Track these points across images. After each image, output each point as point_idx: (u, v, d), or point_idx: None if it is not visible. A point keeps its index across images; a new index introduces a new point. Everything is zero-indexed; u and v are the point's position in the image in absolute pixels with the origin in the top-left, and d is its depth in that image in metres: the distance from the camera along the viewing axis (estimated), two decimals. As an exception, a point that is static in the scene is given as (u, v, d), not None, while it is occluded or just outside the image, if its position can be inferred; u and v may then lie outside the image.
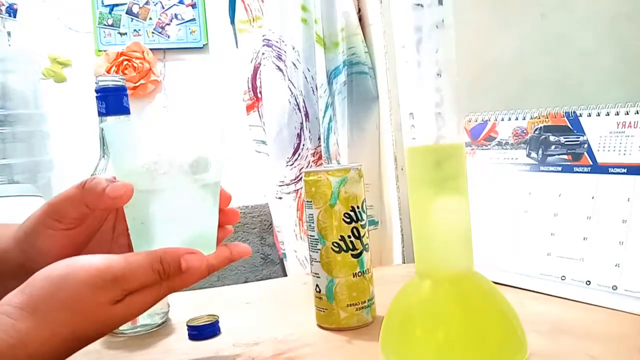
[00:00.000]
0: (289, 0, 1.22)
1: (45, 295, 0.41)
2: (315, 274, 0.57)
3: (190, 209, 0.48)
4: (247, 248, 0.51)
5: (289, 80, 1.23)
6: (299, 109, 1.24)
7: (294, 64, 1.22)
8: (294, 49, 1.22)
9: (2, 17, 2.04)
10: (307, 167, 1.23)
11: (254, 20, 1.37)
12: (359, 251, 0.56)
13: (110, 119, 0.67)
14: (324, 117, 1.18)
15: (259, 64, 1.33)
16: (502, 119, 0.74)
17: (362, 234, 0.56)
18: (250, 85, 1.39)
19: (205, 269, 0.46)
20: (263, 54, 1.28)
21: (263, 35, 1.27)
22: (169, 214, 0.47)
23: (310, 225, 0.57)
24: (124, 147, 0.48)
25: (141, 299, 0.45)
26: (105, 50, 2.12)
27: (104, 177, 0.48)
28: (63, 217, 0.48)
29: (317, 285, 0.57)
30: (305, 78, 1.22)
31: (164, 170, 0.47)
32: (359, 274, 0.56)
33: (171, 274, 0.45)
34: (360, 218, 0.56)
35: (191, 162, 0.47)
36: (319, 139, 1.23)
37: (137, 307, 0.45)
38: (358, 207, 0.56)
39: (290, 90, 1.23)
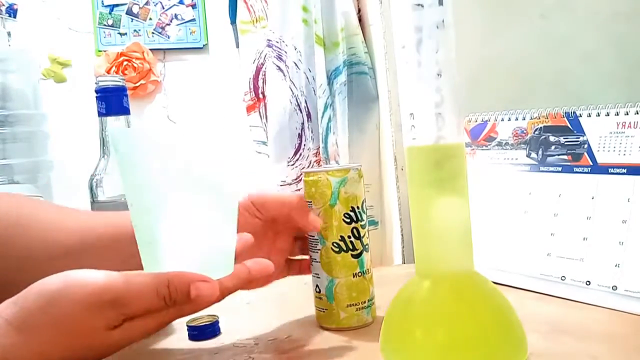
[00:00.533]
0: (291, 1, 1.22)
1: (37, 311, 0.38)
2: (315, 274, 0.57)
3: (206, 226, 0.44)
4: (268, 265, 0.46)
5: (290, 80, 1.23)
6: (300, 109, 1.24)
7: (296, 64, 1.22)
8: (295, 49, 1.22)
9: (2, 18, 2.04)
10: (308, 167, 1.23)
11: (257, 20, 1.37)
12: (359, 251, 0.56)
13: (111, 120, 0.67)
14: (322, 117, 1.18)
15: (262, 64, 1.33)
16: (502, 119, 0.74)
17: (362, 234, 0.56)
18: (251, 86, 1.39)
19: (217, 296, 0.42)
20: (266, 54, 1.28)
21: (266, 36, 1.27)
22: (181, 233, 0.43)
23: None
24: (132, 157, 0.43)
25: (142, 325, 0.41)
26: (105, 51, 2.12)
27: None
28: (265, 213, 0.53)
29: (317, 285, 0.57)
30: (307, 78, 1.22)
31: (176, 183, 0.43)
32: (359, 274, 0.56)
33: (178, 300, 0.41)
34: (360, 218, 0.56)
35: (206, 173, 0.44)
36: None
37: (136, 333, 0.41)
38: (358, 208, 0.56)
39: (292, 90, 1.23)
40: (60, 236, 0.52)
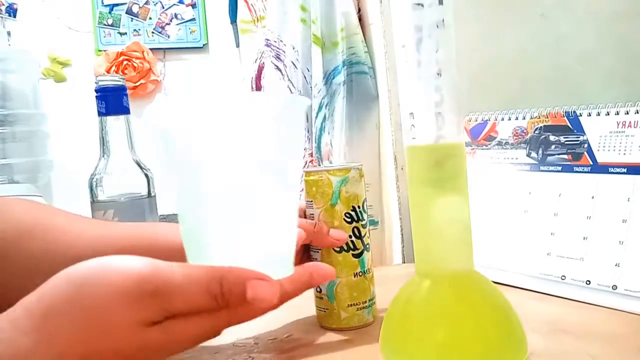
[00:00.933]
0: (289, 0, 1.22)
1: (62, 300, 0.31)
2: None
3: (266, 217, 0.38)
4: (330, 271, 0.42)
5: (288, 80, 1.23)
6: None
7: (294, 64, 1.22)
8: (293, 48, 1.22)
9: (2, 17, 2.04)
10: (305, 166, 1.23)
11: (258, 20, 1.37)
12: (359, 251, 0.56)
13: (110, 119, 0.67)
14: (316, 117, 1.18)
15: (263, 64, 1.33)
16: (502, 119, 0.74)
17: (363, 234, 0.56)
18: (254, 85, 1.39)
19: (277, 301, 0.36)
20: (264, 53, 1.28)
21: (265, 36, 1.27)
22: (237, 222, 0.37)
23: None
24: (178, 135, 0.37)
25: (185, 327, 0.34)
26: (105, 50, 2.12)
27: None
28: None
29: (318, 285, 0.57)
30: (305, 78, 1.22)
31: (234, 165, 0.37)
32: (360, 273, 0.56)
33: (231, 302, 0.34)
34: (361, 218, 0.56)
35: (266, 156, 0.38)
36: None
37: (177, 336, 0.34)
38: (359, 207, 0.56)
39: (290, 90, 1.23)
40: (75, 245, 0.49)
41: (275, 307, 0.37)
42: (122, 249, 0.46)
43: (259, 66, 1.36)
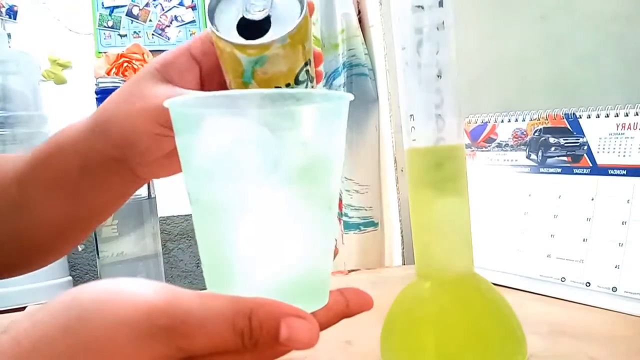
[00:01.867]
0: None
1: (57, 329, 0.26)
2: None
3: (298, 238, 0.32)
4: (370, 299, 0.35)
5: None
6: None
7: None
8: None
9: (2, 19, 2.04)
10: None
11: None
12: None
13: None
14: None
15: None
16: (502, 121, 0.74)
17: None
18: None
19: (315, 343, 0.29)
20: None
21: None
22: (267, 244, 0.31)
23: None
24: (200, 135, 0.31)
25: None
26: (105, 52, 2.12)
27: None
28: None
29: None
30: None
31: (264, 174, 0.31)
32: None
33: (261, 341, 0.28)
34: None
35: (302, 166, 0.31)
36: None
37: None
38: (290, 84, 0.41)
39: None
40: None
41: (309, 347, 0.30)
42: (21, 172, 0.43)
43: None
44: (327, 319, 0.33)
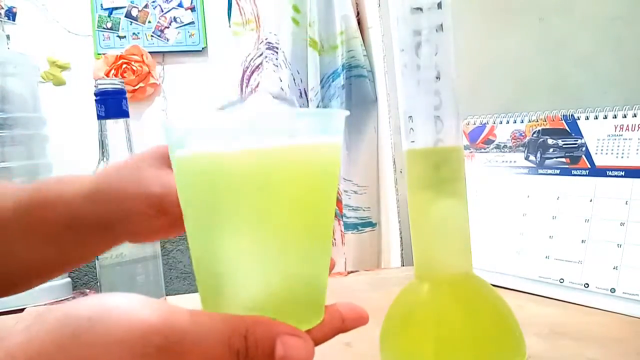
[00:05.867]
0: (282, 1, 1.22)
1: (52, 345, 0.26)
2: None
3: (297, 255, 0.31)
4: (364, 315, 0.34)
5: (280, 81, 1.23)
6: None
7: (287, 66, 1.23)
8: (280, 49, 1.22)
9: (1, 21, 2.04)
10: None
11: (246, 23, 1.37)
12: None
13: (110, 123, 0.67)
14: None
15: (246, 67, 1.33)
16: (501, 122, 0.74)
17: None
18: (238, 90, 1.39)
19: (310, 358, 0.29)
20: (265, 56, 1.28)
21: (265, 38, 1.28)
22: (262, 261, 0.31)
23: None
24: (195, 162, 0.31)
25: None
26: (104, 54, 2.12)
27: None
28: (166, 212, 0.37)
29: None
30: (294, 80, 1.22)
31: (259, 198, 0.30)
32: None
33: (256, 359, 0.28)
34: None
35: (303, 185, 0.31)
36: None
37: None
38: None
39: (283, 89, 1.23)
40: None
41: None
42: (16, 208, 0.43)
43: (242, 70, 1.36)
44: (322, 335, 0.33)
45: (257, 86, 1.31)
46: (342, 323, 0.34)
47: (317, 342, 0.32)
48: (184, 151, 0.31)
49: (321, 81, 1.18)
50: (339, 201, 1.13)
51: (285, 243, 0.31)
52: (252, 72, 1.33)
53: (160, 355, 0.26)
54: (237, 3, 1.40)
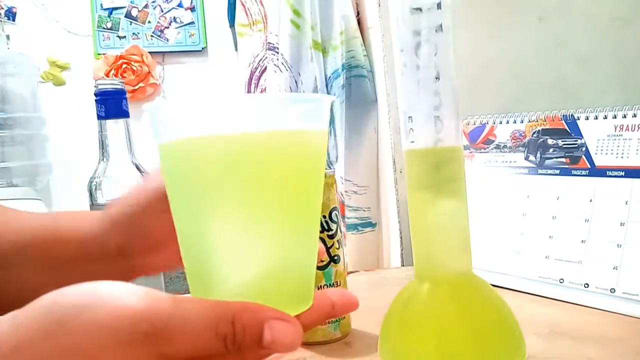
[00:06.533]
0: (283, 3, 1.22)
1: (38, 334, 0.26)
2: None
3: (285, 238, 0.31)
4: (355, 300, 0.35)
5: (285, 84, 1.24)
6: None
7: (288, 68, 1.23)
8: (279, 52, 1.22)
9: (1, 21, 2.04)
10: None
11: (254, 24, 1.37)
12: (324, 263, 0.53)
13: (110, 123, 0.67)
14: None
15: (255, 68, 1.33)
16: (501, 122, 0.74)
17: (329, 245, 0.53)
18: (246, 90, 1.39)
19: (298, 345, 0.29)
20: (266, 57, 1.28)
21: (267, 40, 1.28)
22: (249, 246, 0.31)
23: None
24: (178, 143, 0.31)
25: None
26: (104, 54, 2.12)
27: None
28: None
29: None
30: (295, 82, 1.22)
31: (245, 182, 0.30)
32: (324, 287, 0.53)
33: (244, 345, 0.28)
34: (328, 228, 0.53)
35: (290, 168, 0.31)
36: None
37: None
38: (325, 217, 0.52)
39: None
40: None
41: (292, 350, 0.30)
42: (15, 242, 0.42)
43: (251, 71, 1.36)
44: (311, 320, 0.33)
45: (266, 88, 1.31)
46: (332, 309, 0.34)
47: (306, 328, 0.31)
48: (168, 137, 0.31)
49: (326, 82, 1.19)
50: (341, 203, 1.13)
51: (272, 229, 0.31)
52: (262, 73, 1.33)
53: (147, 341, 0.26)
54: (243, 4, 1.40)
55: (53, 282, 0.41)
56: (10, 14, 2.07)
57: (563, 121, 0.67)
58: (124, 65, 2.11)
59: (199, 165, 0.30)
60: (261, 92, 1.34)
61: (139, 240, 0.40)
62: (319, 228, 0.34)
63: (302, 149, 0.32)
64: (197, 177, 0.30)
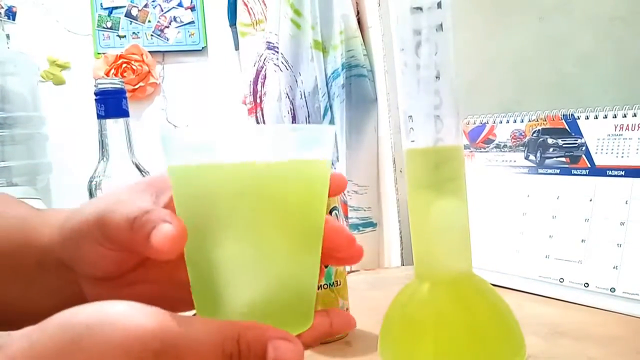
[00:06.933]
0: (283, 2, 1.22)
1: (53, 352, 0.27)
2: None
3: (287, 259, 0.33)
4: (352, 320, 0.37)
5: (285, 83, 1.24)
6: (291, 112, 1.25)
7: (289, 67, 1.23)
8: (279, 52, 1.22)
9: (1, 20, 2.04)
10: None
11: (257, 23, 1.37)
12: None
13: (110, 122, 0.67)
14: (322, 120, 1.18)
15: (261, 67, 1.33)
16: (501, 122, 0.74)
17: None
18: (251, 89, 1.39)
19: None
20: (265, 57, 1.28)
21: (266, 39, 1.28)
22: (253, 266, 0.32)
23: None
24: (185, 166, 0.32)
25: None
26: (104, 53, 2.12)
27: (161, 212, 0.32)
28: (112, 242, 0.34)
29: None
30: (296, 81, 1.22)
31: (247, 199, 0.31)
32: (325, 286, 0.53)
33: None
34: None
35: (292, 188, 0.32)
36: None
37: None
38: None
39: (287, 93, 1.24)
40: None
41: None
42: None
43: (257, 70, 1.37)
44: (312, 339, 0.35)
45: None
46: (330, 327, 0.36)
47: (307, 346, 0.33)
48: (180, 161, 0.33)
49: (326, 81, 1.19)
50: (344, 203, 1.13)
51: (277, 253, 0.32)
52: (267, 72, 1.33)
53: (157, 359, 0.27)
54: (245, 4, 1.39)
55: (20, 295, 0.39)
56: (10, 13, 2.07)
57: (563, 121, 0.67)
58: (124, 65, 2.11)
59: (208, 192, 0.32)
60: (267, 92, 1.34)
61: (76, 260, 0.38)
62: (320, 252, 0.35)
63: (307, 178, 0.33)
64: (206, 202, 0.32)
